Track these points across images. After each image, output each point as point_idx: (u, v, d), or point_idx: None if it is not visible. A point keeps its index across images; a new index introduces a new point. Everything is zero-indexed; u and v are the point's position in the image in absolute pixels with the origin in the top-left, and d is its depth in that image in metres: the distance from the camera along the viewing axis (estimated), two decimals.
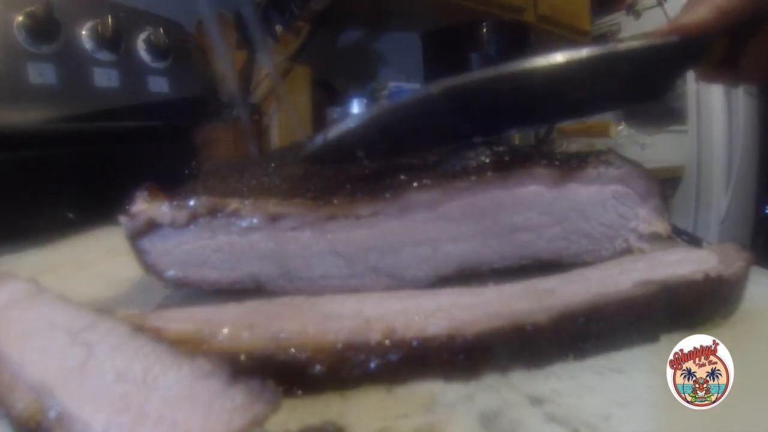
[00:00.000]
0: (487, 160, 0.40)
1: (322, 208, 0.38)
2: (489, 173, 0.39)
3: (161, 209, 0.37)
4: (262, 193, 0.39)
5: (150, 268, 0.39)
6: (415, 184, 0.39)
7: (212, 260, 0.39)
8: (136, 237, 0.38)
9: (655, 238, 0.42)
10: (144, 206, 0.38)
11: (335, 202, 0.38)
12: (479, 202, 0.40)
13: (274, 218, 0.38)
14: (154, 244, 0.39)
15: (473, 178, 0.39)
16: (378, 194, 0.38)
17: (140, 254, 0.39)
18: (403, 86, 1.87)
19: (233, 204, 0.38)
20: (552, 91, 0.42)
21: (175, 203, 0.38)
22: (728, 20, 0.45)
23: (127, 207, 0.38)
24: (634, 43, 0.43)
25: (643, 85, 0.46)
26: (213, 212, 0.38)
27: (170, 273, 0.39)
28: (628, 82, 0.44)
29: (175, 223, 0.37)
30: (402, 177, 0.39)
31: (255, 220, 0.37)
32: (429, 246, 0.39)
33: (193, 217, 0.38)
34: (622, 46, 0.43)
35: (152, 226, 0.38)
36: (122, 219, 0.38)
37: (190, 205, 0.37)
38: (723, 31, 0.46)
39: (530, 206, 0.41)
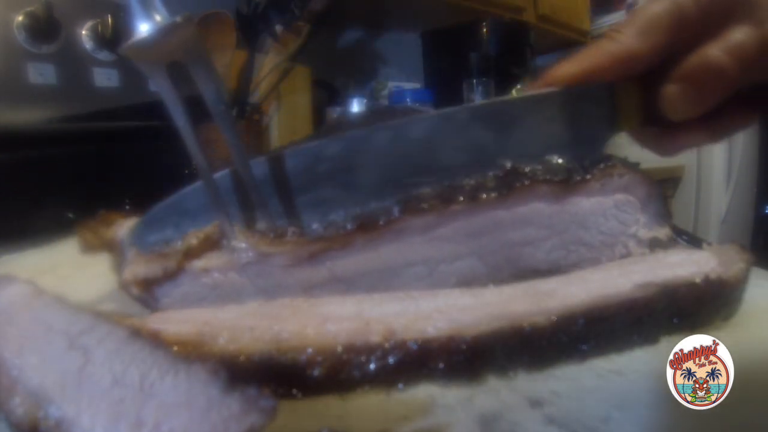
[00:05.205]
0: (487, 182, 0.39)
1: (317, 244, 0.37)
2: (487, 195, 0.38)
3: (150, 267, 0.37)
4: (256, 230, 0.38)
5: (150, 307, 0.39)
6: (409, 211, 0.37)
7: (210, 297, 0.38)
8: (142, 301, 0.38)
9: (655, 243, 0.41)
10: (133, 272, 0.37)
11: (328, 237, 0.37)
12: (477, 222, 0.38)
13: (269, 257, 0.37)
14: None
15: (470, 200, 0.38)
16: (372, 223, 0.37)
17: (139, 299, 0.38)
18: (404, 86, 1.87)
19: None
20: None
21: (158, 257, 0.37)
22: (634, 64, 0.38)
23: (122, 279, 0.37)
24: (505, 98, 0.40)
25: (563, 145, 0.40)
26: (207, 248, 0.37)
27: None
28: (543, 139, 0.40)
29: (167, 273, 0.37)
30: (395, 204, 0.38)
31: (251, 255, 0.37)
32: (425, 266, 0.39)
33: (188, 258, 0.37)
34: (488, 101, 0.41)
35: (149, 286, 0.37)
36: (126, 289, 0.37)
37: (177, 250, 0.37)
38: (623, 76, 0.39)
39: (530, 222, 0.39)
